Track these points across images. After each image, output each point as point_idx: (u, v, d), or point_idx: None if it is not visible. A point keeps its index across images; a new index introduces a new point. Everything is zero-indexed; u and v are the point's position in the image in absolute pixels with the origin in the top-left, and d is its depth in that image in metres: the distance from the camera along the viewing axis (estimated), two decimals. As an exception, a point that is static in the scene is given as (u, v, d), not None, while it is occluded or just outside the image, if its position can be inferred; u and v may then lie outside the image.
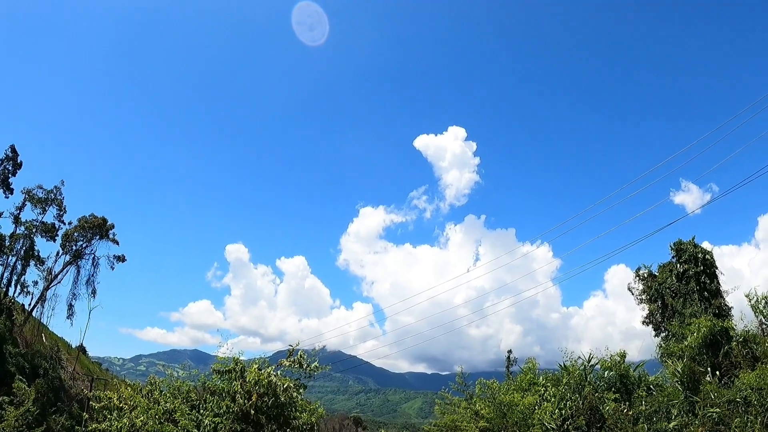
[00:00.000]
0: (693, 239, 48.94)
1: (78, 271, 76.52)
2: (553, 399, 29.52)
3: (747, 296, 30.54)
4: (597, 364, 32.33)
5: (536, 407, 28.48)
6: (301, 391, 23.21)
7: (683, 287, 46.94)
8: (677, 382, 26.13)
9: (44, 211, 73.82)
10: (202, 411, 21.34)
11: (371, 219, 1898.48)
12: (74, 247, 75.75)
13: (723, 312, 43.67)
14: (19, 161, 72.19)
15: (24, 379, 49.07)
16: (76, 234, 75.31)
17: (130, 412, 21.33)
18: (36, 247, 72.77)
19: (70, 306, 75.73)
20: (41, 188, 73.77)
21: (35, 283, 72.95)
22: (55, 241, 74.63)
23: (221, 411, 20.85)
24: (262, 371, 22.06)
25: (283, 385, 21.78)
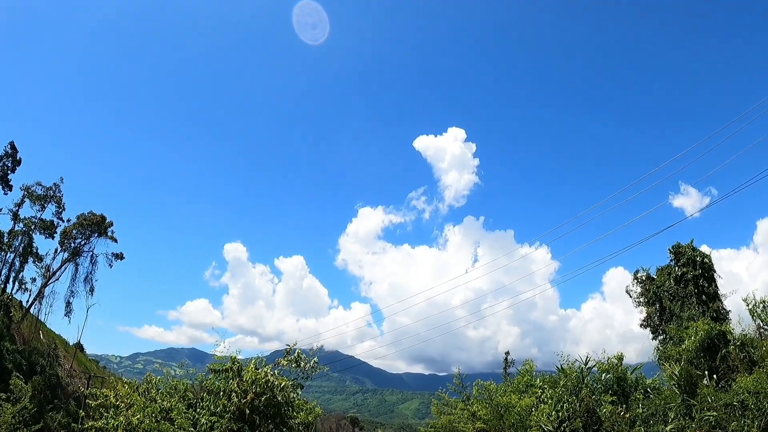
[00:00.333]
0: (691, 242, 48.95)
1: (76, 269, 76.50)
2: (550, 401, 29.51)
3: (745, 300, 30.60)
4: (594, 366, 32.32)
5: (533, 409, 28.49)
6: (298, 390, 23.20)
7: (681, 290, 46.94)
8: (674, 385, 26.13)
9: (43, 208, 73.79)
10: (198, 410, 21.32)
11: (370, 219, 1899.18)
12: (73, 245, 75.68)
13: (721, 315, 43.67)
14: (18, 158, 72.15)
15: (21, 376, 48.99)
16: (74, 231, 75.24)
17: (127, 410, 21.30)
18: (34, 244, 72.78)
19: (68, 303, 75.71)
20: (40, 185, 73.75)
21: (33, 280, 72.94)
22: (53, 238, 74.60)
23: (218, 410, 20.84)
24: (259, 370, 22.05)
25: (280, 384, 21.76)
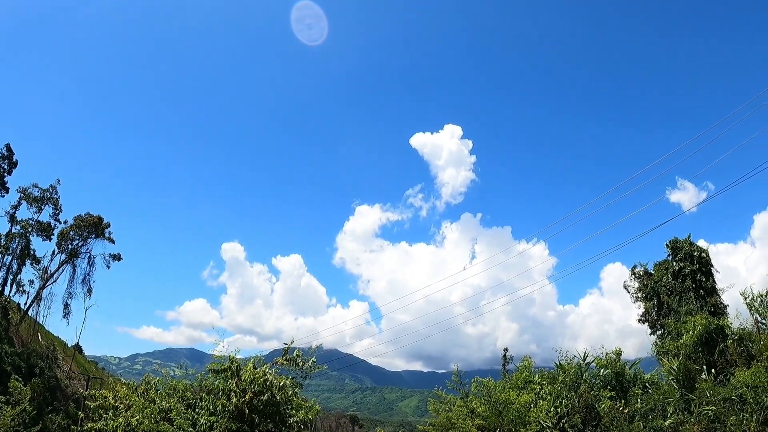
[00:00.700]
0: (689, 237, 49.03)
1: (74, 270, 76.61)
2: (548, 397, 29.53)
3: (742, 294, 30.63)
4: (593, 362, 32.34)
5: (532, 405, 28.49)
6: (296, 390, 23.18)
7: (679, 285, 47.03)
8: (673, 380, 26.17)
9: (40, 210, 73.81)
10: (197, 410, 21.30)
11: (367, 217, 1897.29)
12: (70, 246, 75.69)
13: (719, 310, 43.76)
14: (14, 160, 72.13)
15: (20, 379, 49.01)
16: (71, 233, 75.25)
17: (126, 411, 21.28)
18: (32, 246, 72.91)
19: (66, 305, 75.85)
20: (37, 187, 73.83)
21: (31, 282, 73.07)
22: (50, 240, 74.67)
23: (217, 410, 20.82)
24: (258, 370, 22.03)
25: (279, 383, 21.75)
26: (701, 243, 49.25)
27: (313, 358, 24.32)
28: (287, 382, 22.31)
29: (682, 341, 28.92)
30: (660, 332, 46.90)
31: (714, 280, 46.87)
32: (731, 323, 29.63)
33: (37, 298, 72.58)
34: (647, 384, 29.40)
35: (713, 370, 25.71)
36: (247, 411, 20.58)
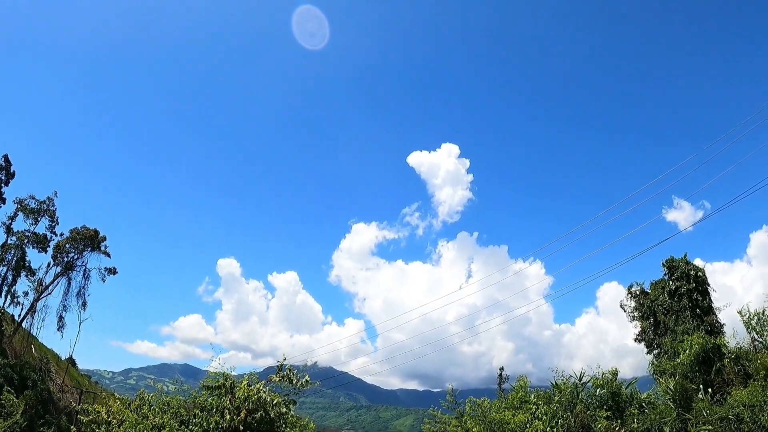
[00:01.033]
0: (685, 256, 49.14)
1: (69, 283, 76.13)
2: (544, 417, 29.40)
3: (740, 313, 30.67)
4: (589, 381, 32.26)
5: (527, 425, 28.37)
6: (290, 407, 23.02)
7: (675, 304, 47.03)
8: (669, 399, 26.11)
9: (36, 221, 73.66)
10: (191, 426, 21.11)
11: (364, 235, 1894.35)
12: (65, 259, 75.41)
13: (715, 329, 43.75)
14: (11, 171, 72.15)
15: (12, 391, 48.64)
16: (67, 245, 75.01)
17: (119, 427, 21.10)
18: (27, 258, 72.53)
19: (61, 318, 75.25)
20: (34, 198, 73.71)
21: (26, 293, 72.59)
22: (46, 252, 74.36)
23: (210, 427, 20.65)
24: (252, 387, 21.89)
25: (273, 401, 21.61)
26: (697, 262, 49.42)
27: (307, 377, 24.18)
28: (280, 400, 22.18)
29: (678, 360, 28.89)
30: (656, 351, 46.83)
31: (710, 299, 46.90)
32: (728, 342, 29.65)
33: (32, 310, 72.16)
34: (644, 404, 29.31)
35: (710, 390, 25.67)
36: (241, 428, 20.41)
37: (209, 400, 22.30)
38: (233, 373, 23.18)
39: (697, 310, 45.76)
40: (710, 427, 22.58)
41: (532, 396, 33.26)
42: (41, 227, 74.14)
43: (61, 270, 75.07)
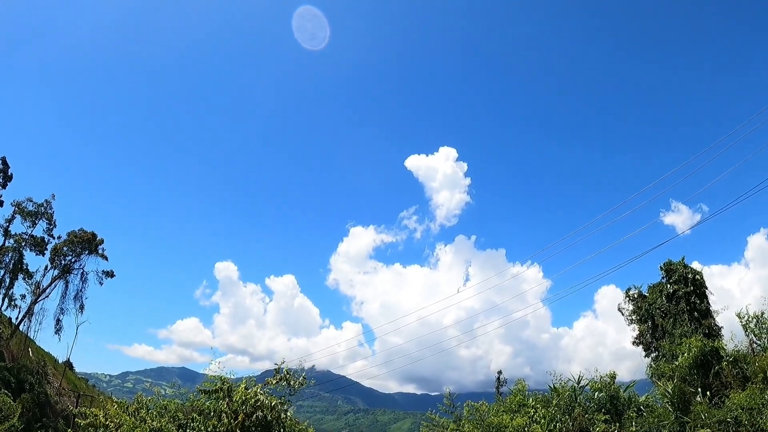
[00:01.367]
0: (683, 259, 49.15)
1: (66, 286, 76.06)
2: (542, 420, 29.36)
3: (738, 315, 30.64)
4: (587, 385, 32.23)
5: (525, 429, 28.32)
6: (286, 408, 22.98)
7: (673, 307, 47.02)
8: (667, 402, 26.10)
9: (34, 224, 73.60)
10: (189, 430, 21.08)
11: (361, 239, 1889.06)
12: (63, 262, 75.31)
13: (713, 332, 43.74)
14: (9, 173, 72.11)
15: (9, 394, 48.51)
16: (65, 248, 74.93)
17: (116, 430, 21.05)
18: (25, 261, 72.52)
19: (58, 321, 75.19)
20: (31, 201, 73.64)
21: (23, 296, 72.54)
22: (44, 254, 74.28)
23: (208, 430, 20.62)
24: (249, 390, 21.87)
25: (270, 403, 21.58)
26: (695, 265, 49.39)
27: (303, 376, 24.16)
28: (277, 402, 22.14)
29: (676, 363, 28.89)
30: (654, 354, 46.81)
31: (708, 302, 46.89)
32: (726, 345, 29.64)
33: (29, 312, 72.05)
34: (642, 407, 29.29)
35: (708, 393, 25.67)
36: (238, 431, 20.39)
37: (207, 403, 22.27)
38: (232, 376, 23.16)
39: (695, 313, 45.75)
40: (708, 430, 22.56)
41: (530, 399, 33.22)
42: (39, 230, 74.21)
43: (58, 273, 74.98)
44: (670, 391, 26.07)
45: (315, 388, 24.63)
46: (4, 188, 71.67)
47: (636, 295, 52.00)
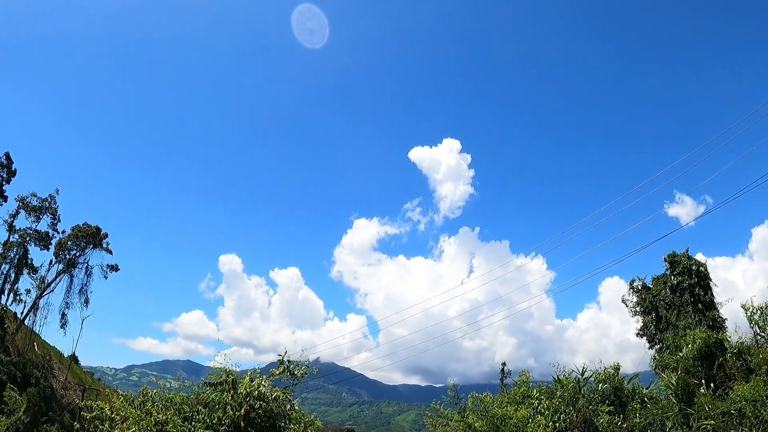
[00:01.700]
0: (687, 251, 49.09)
1: (71, 280, 76.29)
2: (546, 412, 29.38)
3: (743, 307, 30.58)
4: (591, 376, 32.23)
5: (530, 420, 28.33)
6: (290, 398, 23.02)
7: (677, 299, 47.01)
8: (671, 394, 26.08)
9: (38, 219, 73.79)
10: (194, 423, 21.15)
11: (365, 231, 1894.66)
12: (68, 256, 75.52)
13: (717, 324, 43.72)
14: (13, 169, 72.21)
15: (15, 388, 48.77)
16: (69, 243, 75.12)
17: (122, 423, 21.15)
18: (29, 256, 72.76)
19: (63, 315, 75.47)
20: (35, 196, 73.83)
21: (28, 291, 72.79)
22: (48, 249, 74.50)
23: (213, 422, 20.70)
24: (254, 382, 21.92)
25: (273, 395, 21.64)
26: (699, 257, 49.36)
27: (305, 365, 24.22)
28: (280, 393, 22.18)
29: (680, 355, 28.84)
30: (658, 346, 46.83)
31: (712, 294, 46.87)
32: (730, 337, 29.58)
33: (34, 307, 72.30)
34: (646, 398, 29.30)
35: (712, 384, 25.63)
36: (243, 424, 20.46)
37: (212, 396, 22.34)
38: (237, 368, 23.22)
39: (699, 305, 45.73)
40: (712, 421, 22.54)
41: (535, 391, 33.23)
42: (43, 225, 74.37)
43: (63, 267, 75.21)
44: (674, 382, 26.04)
45: (320, 380, 24.68)
46: (9, 183, 71.81)
47: (640, 287, 51.99)
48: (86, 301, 76.62)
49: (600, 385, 31.05)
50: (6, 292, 70.07)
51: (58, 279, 75.07)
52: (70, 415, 60.33)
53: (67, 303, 75.74)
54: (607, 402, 29.23)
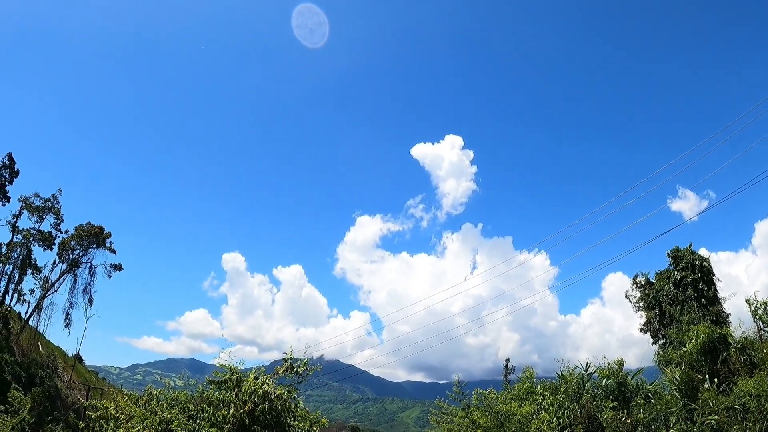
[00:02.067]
0: (690, 246, 49.00)
1: (75, 280, 76.41)
2: (550, 408, 29.43)
3: (747, 302, 30.57)
4: (595, 372, 32.26)
5: (534, 416, 28.37)
6: (295, 396, 23.04)
7: (681, 294, 46.95)
8: (675, 389, 26.08)
9: (41, 219, 73.82)
10: (199, 421, 21.20)
11: (368, 228, 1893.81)
12: (71, 256, 75.63)
13: (721, 319, 43.67)
14: (16, 169, 72.26)
15: (20, 388, 48.87)
16: (72, 242, 75.21)
17: (127, 422, 21.19)
18: (33, 256, 72.77)
19: (67, 315, 75.58)
20: (38, 196, 73.85)
21: (32, 291, 72.80)
22: (51, 249, 74.57)
23: (218, 420, 20.73)
24: (258, 380, 21.94)
25: (276, 393, 21.65)
26: (702, 252, 49.27)
27: (305, 361, 24.24)
28: (283, 392, 22.19)
29: (684, 350, 28.82)
30: (662, 341, 46.82)
31: (716, 289, 46.81)
32: (734, 332, 29.55)
33: (38, 307, 72.42)
34: (650, 394, 29.31)
35: (716, 380, 25.62)
36: (248, 421, 20.49)
37: (216, 394, 22.38)
38: (241, 366, 23.24)
39: (703, 300, 45.67)
40: (716, 417, 22.53)
41: (539, 387, 33.29)
42: (46, 225, 74.36)
43: (66, 267, 75.31)
44: (677, 378, 26.04)
45: (324, 377, 24.70)
46: (11, 184, 71.84)
47: (643, 282, 51.94)
48: (90, 301, 76.80)
49: (604, 380, 31.08)
50: (10, 292, 70.23)
51: (61, 279, 75.21)
52: (75, 414, 60.51)
53: (71, 303, 75.90)
54: (611, 398, 29.26)
